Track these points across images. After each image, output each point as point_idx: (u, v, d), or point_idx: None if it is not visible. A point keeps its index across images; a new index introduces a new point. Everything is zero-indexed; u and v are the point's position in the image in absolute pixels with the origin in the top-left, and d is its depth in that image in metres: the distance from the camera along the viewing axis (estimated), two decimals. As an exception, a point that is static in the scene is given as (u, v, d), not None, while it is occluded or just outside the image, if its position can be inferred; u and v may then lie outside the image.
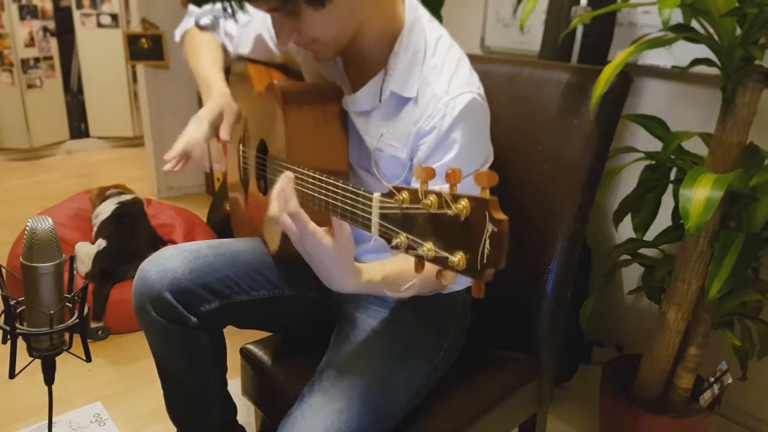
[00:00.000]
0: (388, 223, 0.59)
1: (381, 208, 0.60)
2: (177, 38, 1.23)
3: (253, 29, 1.12)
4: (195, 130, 0.97)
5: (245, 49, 1.14)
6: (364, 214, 0.63)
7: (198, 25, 1.18)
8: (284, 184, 0.72)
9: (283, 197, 0.71)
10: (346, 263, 0.74)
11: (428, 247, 0.53)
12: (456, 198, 0.51)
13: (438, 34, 0.95)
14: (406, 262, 0.80)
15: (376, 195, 0.61)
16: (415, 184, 0.60)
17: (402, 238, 0.56)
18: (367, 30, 0.91)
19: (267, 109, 1.03)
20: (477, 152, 0.92)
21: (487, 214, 0.48)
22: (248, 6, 0.87)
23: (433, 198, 0.53)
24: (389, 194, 0.58)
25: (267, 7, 0.85)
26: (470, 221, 0.50)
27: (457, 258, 0.50)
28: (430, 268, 0.81)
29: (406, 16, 0.93)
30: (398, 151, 0.93)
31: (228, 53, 1.17)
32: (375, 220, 0.61)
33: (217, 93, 1.02)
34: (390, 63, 0.93)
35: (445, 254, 0.51)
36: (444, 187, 0.52)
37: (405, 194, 0.56)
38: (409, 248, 0.56)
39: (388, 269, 0.80)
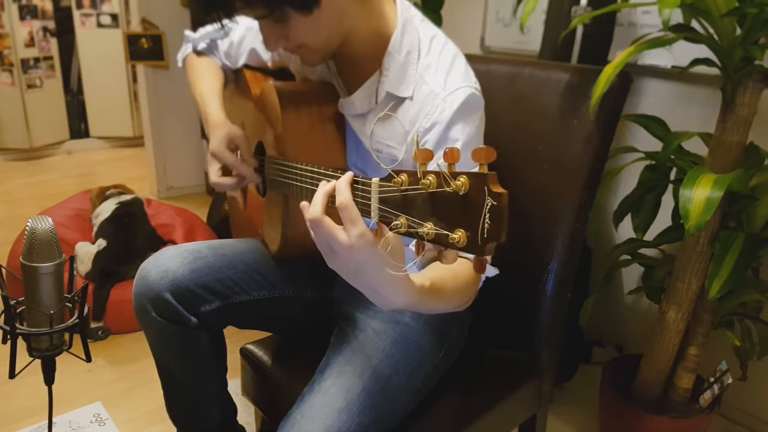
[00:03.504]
0: (388, 206, 0.59)
1: (380, 192, 0.60)
2: (179, 63, 1.27)
3: (247, 44, 1.16)
4: (213, 174, 1.02)
5: (241, 62, 1.18)
6: (363, 200, 0.62)
7: (195, 51, 1.22)
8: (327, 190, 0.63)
9: (321, 202, 0.62)
10: (400, 266, 0.62)
11: (428, 227, 0.53)
12: (454, 175, 0.50)
13: (432, 33, 0.95)
14: (442, 267, 0.74)
15: (375, 179, 0.60)
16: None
17: (402, 220, 0.56)
18: (356, 34, 0.91)
19: (264, 111, 1.03)
20: (477, 146, 0.92)
21: (486, 188, 0.48)
22: (239, 18, 0.88)
23: (431, 177, 0.53)
24: (388, 177, 0.58)
25: (255, 15, 0.86)
26: (469, 197, 0.50)
27: (458, 235, 0.50)
28: (466, 272, 0.80)
29: (398, 16, 0.93)
30: (396, 150, 0.93)
31: (227, 72, 1.22)
32: (375, 204, 0.60)
33: (212, 125, 1.05)
34: (384, 64, 0.93)
35: (446, 232, 0.51)
36: (442, 167, 0.52)
37: (404, 176, 0.56)
38: (409, 229, 0.55)
39: (431, 274, 0.72)
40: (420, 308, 0.70)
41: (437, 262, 0.56)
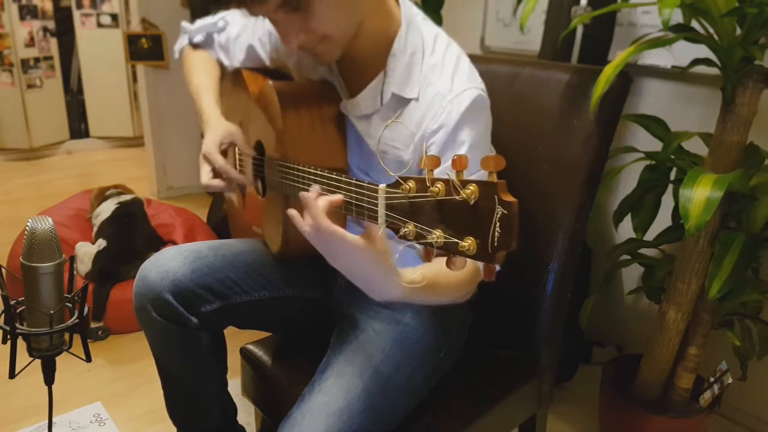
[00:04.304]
0: (396, 213, 0.59)
1: (387, 198, 0.60)
2: (176, 55, 1.26)
3: (244, 41, 1.14)
4: (204, 176, 1.00)
5: (238, 60, 1.17)
6: (370, 206, 0.62)
7: (192, 44, 1.21)
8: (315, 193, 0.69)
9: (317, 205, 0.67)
10: (387, 266, 0.68)
11: (437, 234, 0.53)
12: (464, 183, 0.50)
13: (435, 33, 0.95)
14: (441, 263, 0.78)
15: (382, 186, 0.60)
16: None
17: (410, 227, 0.56)
18: (364, 30, 0.90)
19: (263, 110, 1.03)
20: (485, 148, 0.92)
21: (496, 197, 0.48)
22: (235, 15, 0.86)
23: (440, 185, 0.53)
24: (395, 184, 0.58)
25: (275, 4, 0.82)
26: (479, 205, 0.50)
27: (467, 243, 0.50)
28: (465, 269, 0.81)
29: (402, 16, 0.93)
30: (402, 152, 0.93)
31: (224, 66, 1.20)
32: (381, 211, 0.61)
33: (207, 122, 1.04)
34: (389, 64, 0.92)
35: (455, 240, 0.51)
36: (450, 175, 0.52)
37: (411, 183, 0.56)
38: (417, 237, 0.55)
39: (425, 270, 0.75)
40: (413, 301, 0.75)
41: (436, 258, 0.56)
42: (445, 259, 0.55)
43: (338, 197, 0.69)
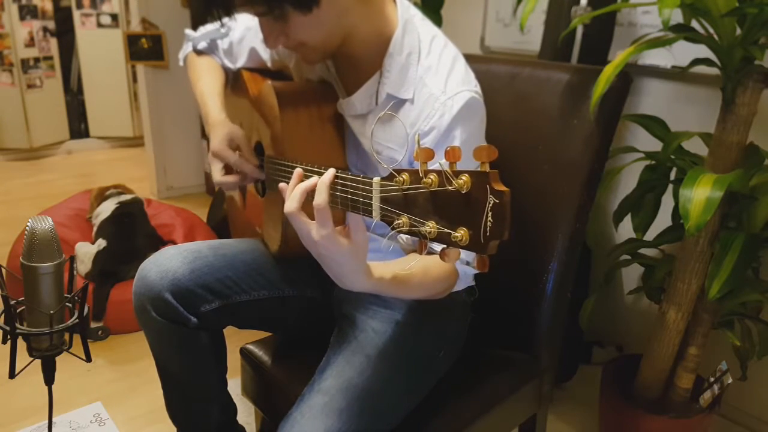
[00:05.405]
0: (390, 205, 0.59)
1: (382, 191, 0.60)
2: (180, 62, 1.28)
3: (247, 43, 1.16)
4: (217, 174, 1.03)
5: (241, 63, 1.18)
6: (364, 200, 0.62)
7: (195, 50, 1.22)
8: (298, 181, 0.71)
9: (301, 193, 0.69)
10: (361, 262, 0.70)
11: (431, 226, 0.53)
12: (456, 174, 0.51)
13: (432, 34, 0.95)
14: (416, 261, 0.80)
15: (376, 179, 0.61)
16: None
17: (404, 219, 0.56)
18: (356, 34, 0.91)
19: (262, 111, 1.03)
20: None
21: (488, 187, 0.48)
22: (238, 18, 0.88)
23: (433, 176, 0.53)
24: (389, 177, 0.58)
25: (254, 12, 0.86)
26: (471, 195, 0.50)
27: (460, 234, 0.50)
28: (439, 268, 0.82)
29: (399, 16, 0.93)
30: (396, 152, 0.93)
31: (228, 71, 1.22)
32: (376, 204, 0.61)
33: (212, 124, 1.06)
34: (385, 65, 0.92)
35: (448, 231, 0.51)
36: (443, 166, 0.53)
37: (405, 175, 0.56)
38: (411, 228, 0.56)
39: (398, 268, 0.78)
40: (382, 294, 0.77)
41: (415, 254, 0.58)
42: (422, 257, 0.56)
43: (322, 181, 0.69)
